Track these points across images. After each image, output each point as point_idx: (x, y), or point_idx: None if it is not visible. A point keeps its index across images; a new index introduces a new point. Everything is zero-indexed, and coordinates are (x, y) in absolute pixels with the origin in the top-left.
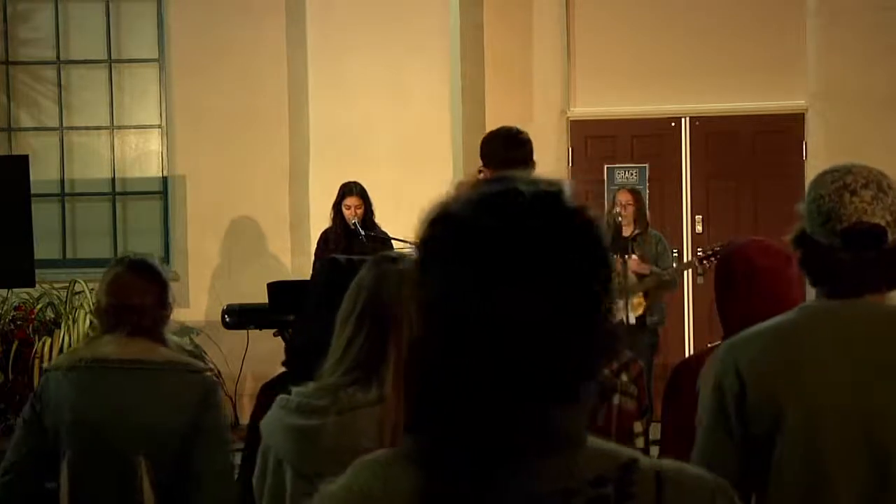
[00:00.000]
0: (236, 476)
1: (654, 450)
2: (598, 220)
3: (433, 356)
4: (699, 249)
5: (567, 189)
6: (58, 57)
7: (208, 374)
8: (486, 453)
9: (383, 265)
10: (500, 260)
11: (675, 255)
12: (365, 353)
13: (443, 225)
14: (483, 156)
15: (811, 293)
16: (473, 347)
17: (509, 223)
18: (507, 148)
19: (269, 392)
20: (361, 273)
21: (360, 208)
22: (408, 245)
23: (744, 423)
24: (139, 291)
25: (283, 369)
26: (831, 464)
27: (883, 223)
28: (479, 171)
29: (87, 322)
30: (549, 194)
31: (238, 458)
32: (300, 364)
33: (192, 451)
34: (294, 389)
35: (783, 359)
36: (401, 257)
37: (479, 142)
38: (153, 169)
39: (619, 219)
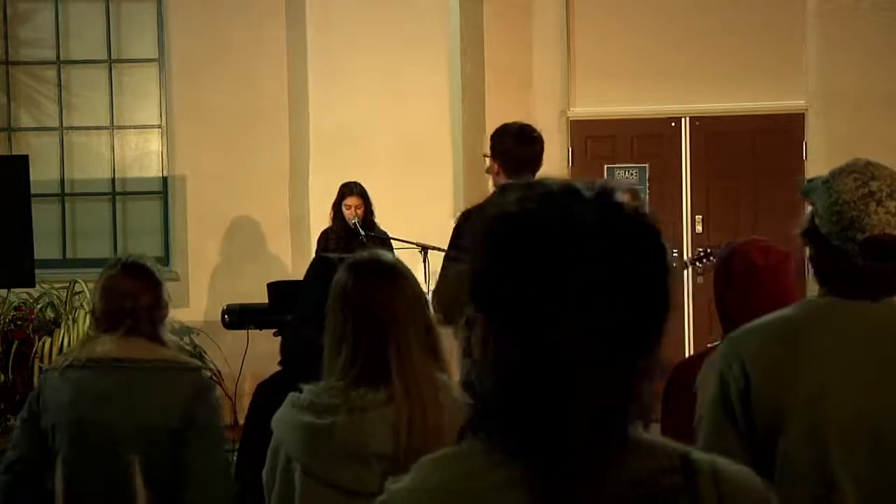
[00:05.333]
0: (233, 474)
1: None
2: (659, 224)
3: (506, 360)
4: (699, 249)
5: (619, 191)
6: (58, 57)
7: (204, 372)
8: (568, 455)
9: (364, 267)
10: (577, 259)
11: (675, 254)
12: (369, 354)
13: (509, 225)
14: (493, 148)
15: (811, 290)
16: (551, 350)
17: (579, 226)
18: (517, 144)
19: (264, 391)
20: (341, 277)
21: (360, 208)
22: (408, 245)
23: (749, 416)
24: (133, 294)
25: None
26: (837, 459)
27: None
28: (485, 156)
29: (87, 322)
30: (608, 192)
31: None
32: (295, 363)
33: (187, 449)
34: (305, 387)
35: (788, 352)
36: (378, 258)
37: (480, 141)
38: (153, 169)
39: None
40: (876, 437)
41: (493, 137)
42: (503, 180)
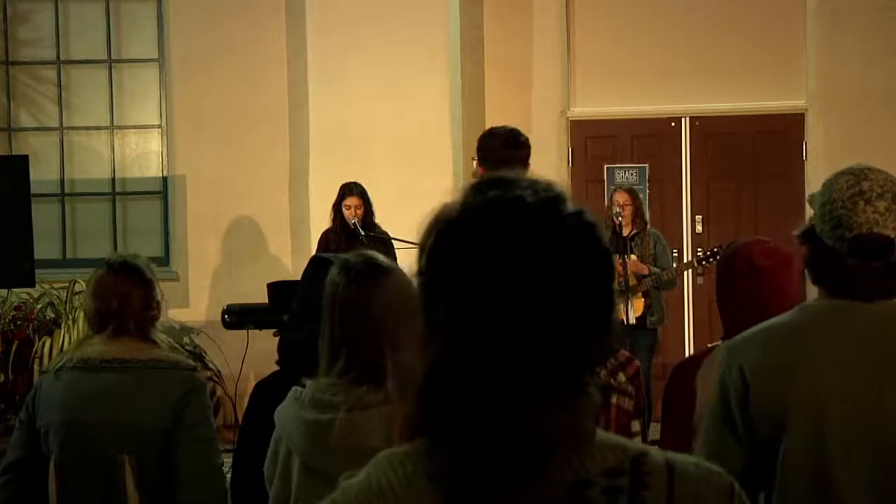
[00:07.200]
0: (227, 473)
1: None
2: (598, 222)
3: (444, 360)
4: (699, 250)
5: (565, 192)
6: (58, 57)
7: (197, 371)
8: (502, 452)
9: (356, 268)
10: (508, 266)
11: (675, 254)
12: (365, 355)
13: (448, 233)
14: (479, 150)
15: (811, 293)
16: (485, 350)
17: (515, 230)
18: (506, 147)
19: (262, 391)
20: (334, 278)
21: (360, 208)
22: (408, 245)
23: (748, 423)
24: (122, 295)
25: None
26: (837, 465)
27: (893, 235)
28: (473, 159)
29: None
30: (550, 199)
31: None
32: (294, 363)
33: (176, 448)
34: (308, 383)
35: (786, 358)
36: (370, 259)
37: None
38: (153, 169)
39: (619, 219)
40: (875, 440)
41: (479, 141)
42: None
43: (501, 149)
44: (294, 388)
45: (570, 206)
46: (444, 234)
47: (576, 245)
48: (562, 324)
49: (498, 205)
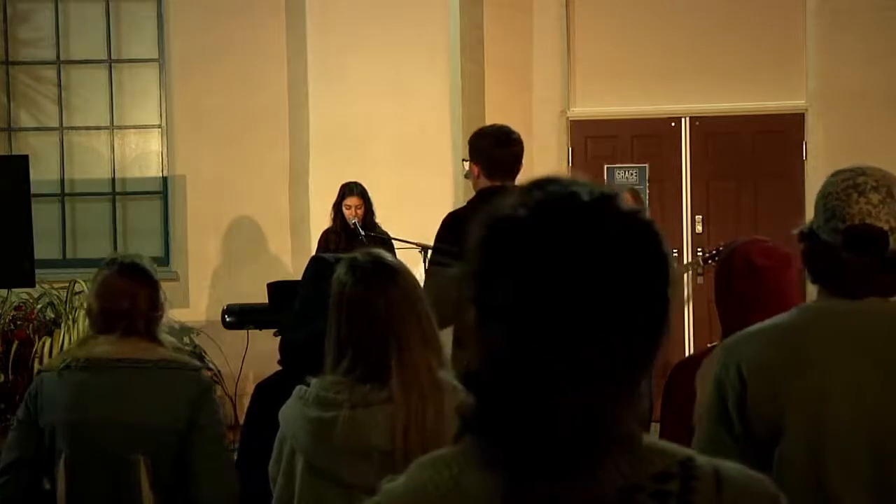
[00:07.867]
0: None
1: None
2: (656, 223)
3: (498, 359)
4: (699, 249)
5: (620, 193)
6: (58, 57)
7: (204, 372)
8: (558, 448)
9: (364, 267)
10: (566, 261)
11: (675, 255)
12: (371, 354)
13: (506, 228)
14: (472, 151)
15: (811, 294)
16: (541, 350)
17: (574, 225)
18: (497, 145)
19: (264, 391)
20: (342, 277)
21: (360, 208)
22: (409, 245)
23: (745, 423)
24: (129, 295)
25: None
26: (834, 465)
27: (886, 228)
28: (464, 160)
29: (87, 322)
30: (607, 196)
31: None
32: (295, 363)
33: (190, 448)
34: (312, 381)
35: (784, 358)
36: (378, 258)
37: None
38: (153, 169)
39: None
40: (873, 441)
41: (471, 141)
42: (483, 183)
43: (493, 147)
44: (298, 387)
45: (626, 205)
46: (501, 228)
47: (632, 242)
48: (619, 321)
49: (556, 200)
